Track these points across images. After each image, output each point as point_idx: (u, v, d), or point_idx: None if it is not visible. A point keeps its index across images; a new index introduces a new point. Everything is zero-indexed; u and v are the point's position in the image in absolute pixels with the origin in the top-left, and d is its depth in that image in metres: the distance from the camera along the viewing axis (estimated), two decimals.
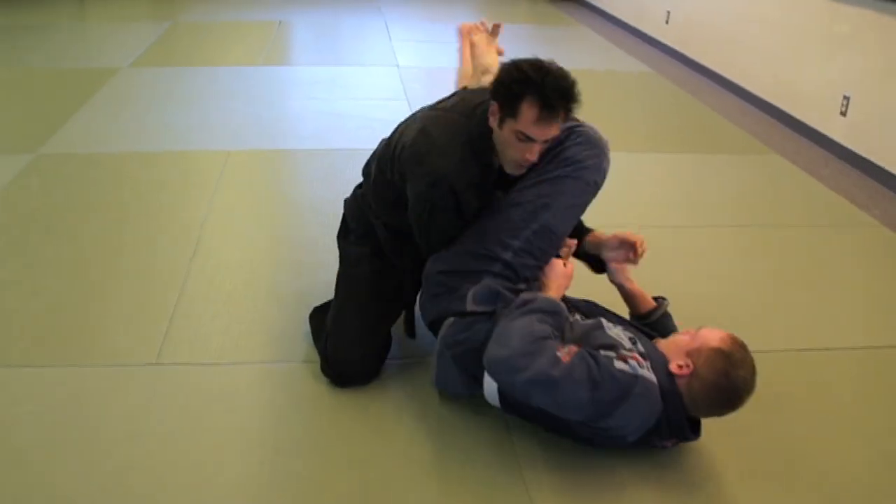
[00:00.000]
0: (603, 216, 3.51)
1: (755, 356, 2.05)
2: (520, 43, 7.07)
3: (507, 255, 2.18)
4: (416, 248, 2.34)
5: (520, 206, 2.20)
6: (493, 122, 2.10)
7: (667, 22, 6.93)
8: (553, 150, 2.20)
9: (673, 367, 2.05)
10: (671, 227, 3.58)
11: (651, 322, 2.38)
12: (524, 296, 2.14)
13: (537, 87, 1.99)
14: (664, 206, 3.79)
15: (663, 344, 2.18)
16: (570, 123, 2.20)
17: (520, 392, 1.97)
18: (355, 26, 7.56)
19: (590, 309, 2.33)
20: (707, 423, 2.16)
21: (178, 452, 2.14)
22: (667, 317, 2.42)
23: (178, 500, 1.99)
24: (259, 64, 6.07)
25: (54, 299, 2.88)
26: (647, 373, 2.00)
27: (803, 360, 2.67)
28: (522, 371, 1.91)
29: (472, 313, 2.16)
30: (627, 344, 2.09)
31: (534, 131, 2.03)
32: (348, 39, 7.18)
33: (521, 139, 2.06)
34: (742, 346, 2.05)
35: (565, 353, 1.95)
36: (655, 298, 2.45)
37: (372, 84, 5.66)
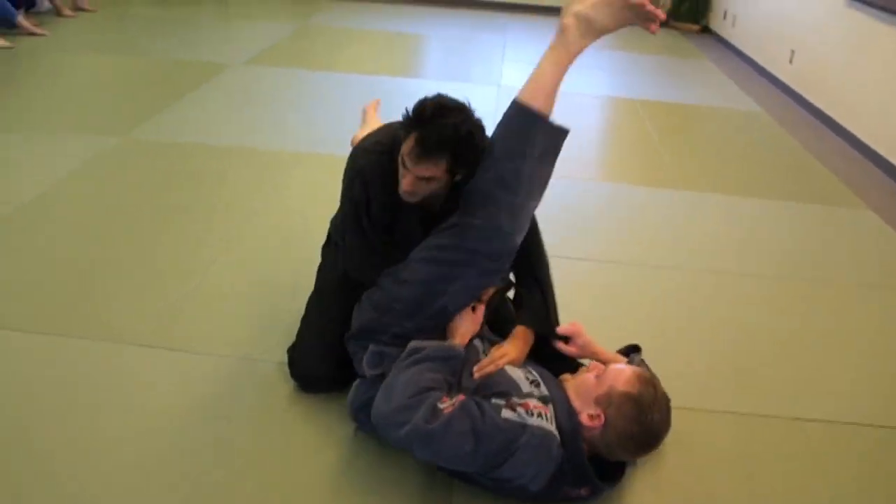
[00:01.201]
0: (661, 255, 3.43)
1: (763, 419, 1.93)
2: (640, 74, 6.95)
3: (398, 330, 2.18)
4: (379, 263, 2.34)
5: (417, 284, 2.17)
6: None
7: (791, 61, 6.63)
8: (467, 206, 2.16)
9: (584, 419, 1.99)
10: (732, 273, 3.43)
11: None
12: (413, 344, 2.10)
13: (423, 125, 2.05)
14: (729, 251, 3.64)
15: (571, 384, 2.10)
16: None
17: (404, 446, 1.93)
18: (474, 43, 7.61)
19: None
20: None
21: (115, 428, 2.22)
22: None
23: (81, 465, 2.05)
24: (367, 73, 6.19)
25: (80, 269, 3.05)
26: (538, 420, 1.92)
27: (807, 430, 2.49)
28: (402, 426, 1.88)
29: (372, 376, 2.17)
30: (526, 388, 2.03)
31: (408, 161, 2.09)
32: (462, 56, 7.23)
33: (403, 164, 2.12)
34: (650, 384, 1.98)
35: (449, 404, 1.90)
36: (628, 352, 2.36)
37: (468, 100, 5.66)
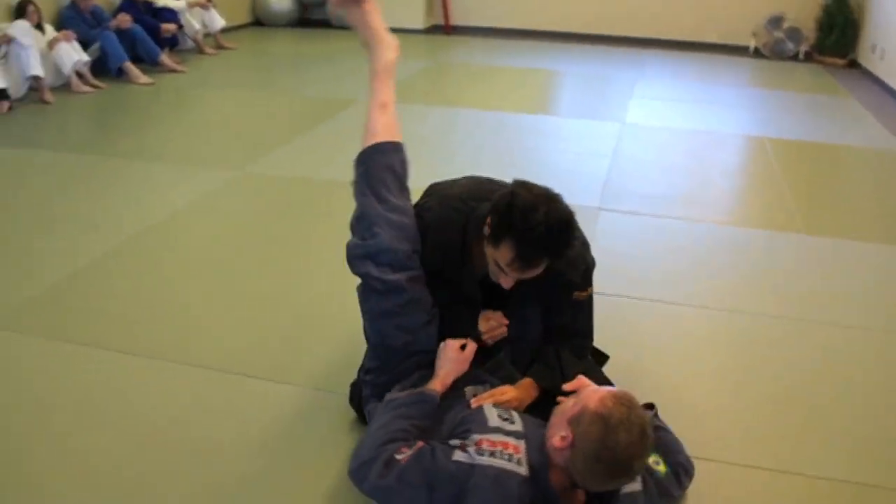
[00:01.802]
0: (783, 306, 3.21)
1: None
2: (781, 111, 6.65)
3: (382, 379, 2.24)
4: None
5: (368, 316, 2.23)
6: (485, 230, 2.05)
7: None
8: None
9: (555, 441, 1.84)
10: (862, 328, 3.16)
11: None
12: (388, 395, 2.08)
13: (520, 235, 1.94)
14: (858, 303, 3.36)
15: (556, 410, 1.94)
16: None
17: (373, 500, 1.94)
18: (605, 80, 7.48)
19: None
20: None
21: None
22: (653, 429, 2.15)
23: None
24: (494, 109, 6.17)
25: (182, 296, 3.12)
26: (489, 459, 1.84)
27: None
28: (363, 481, 1.90)
29: None
30: (494, 422, 1.93)
31: (508, 269, 2.00)
32: (591, 92, 7.13)
33: (496, 266, 2.03)
34: (624, 404, 1.79)
35: (405, 455, 1.88)
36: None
37: (587, 137, 5.56)
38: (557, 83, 7.45)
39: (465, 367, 2.16)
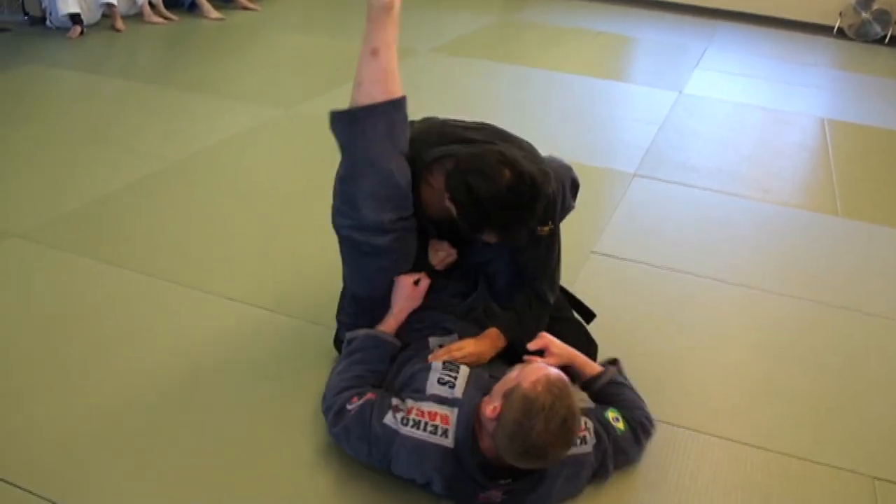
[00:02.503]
0: (787, 282, 3.19)
1: None
2: (851, 94, 6.45)
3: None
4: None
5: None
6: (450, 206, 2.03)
7: None
8: None
9: (487, 411, 1.85)
10: (866, 313, 3.10)
11: (595, 390, 2.19)
12: (348, 334, 2.19)
13: (499, 224, 1.96)
14: None
15: (502, 380, 1.93)
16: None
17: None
18: (672, 47, 7.33)
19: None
20: None
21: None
22: (614, 385, 2.16)
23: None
24: (549, 68, 6.12)
25: (207, 226, 3.27)
26: (411, 430, 1.91)
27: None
28: (329, 426, 2.05)
29: None
30: (432, 389, 1.97)
31: (493, 237, 2.03)
32: (655, 59, 7.01)
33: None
34: (553, 393, 1.76)
35: (354, 406, 1.99)
36: (606, 364, 2.24)
37: (640, 103, 5.50)
38: (624, 48, 7.33)
39: (418, 302, 2.20)
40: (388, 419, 1.94)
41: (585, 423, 2.04)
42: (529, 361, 2.00)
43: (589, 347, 2.51)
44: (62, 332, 2.59)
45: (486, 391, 1.95)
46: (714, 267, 3.31)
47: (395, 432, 1.92)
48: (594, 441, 2.04)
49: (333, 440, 2.08)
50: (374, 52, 2.10)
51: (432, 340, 2.18)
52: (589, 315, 2.61)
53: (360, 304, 2.28)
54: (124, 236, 3.19)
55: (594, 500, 2.07)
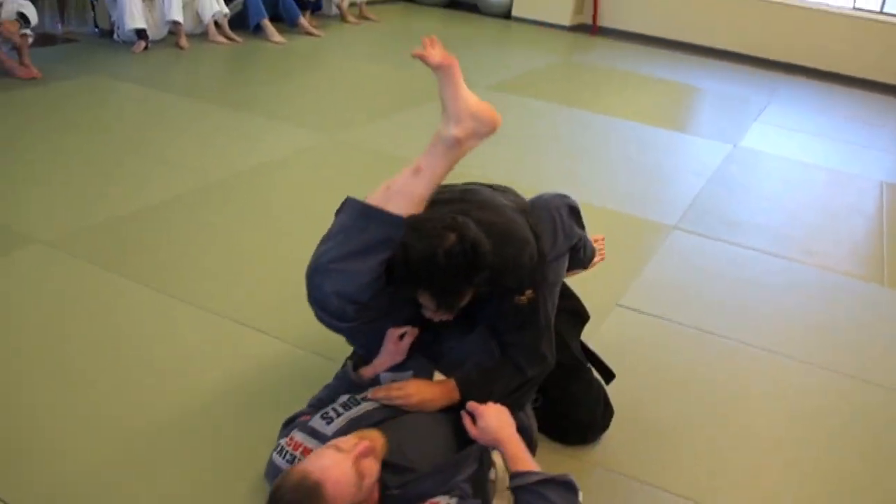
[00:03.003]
0: (825, 352, 3.03)
1: None
2: None
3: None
4: None
5: None
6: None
7: None
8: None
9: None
10: None
11: (511, 488, 1.87)
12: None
13: (429, 286, 1.88)
14: None
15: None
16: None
17: None
18: (733, 99, 7.20)
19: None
20: None
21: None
22: (528, 493, 1.85)
23: None
24: (603, 112, 6.06)
25: (217, 243, 3.28)
26: (276, 455, 1.94)
27: None
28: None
29: None
30: (313, 422, 1.98)
31: (437, 314, 1.96)
32: (713, 109, 6.92)
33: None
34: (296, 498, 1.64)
35: (300, 422, 2.02)
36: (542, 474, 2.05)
37: (692, 154, 5.41)
38: (682, 97, 7.23)
39: (400, 357, 2.11)
40: (278, 445, 1.97)
41: None
42: (361, 438, 1.80)
43: (605, 411, 2.44)
44: (69, 341, 2.62)
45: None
46: (743, 330, 3.20)
47: (273, 450, 1.97)
48: None
49: None
50: (417, 172, 2.00)
51: (384, 376, 2.11)
52: (608, 375, 2.53)
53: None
54: (149, 252, 3.21)
55: None
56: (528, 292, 2.05)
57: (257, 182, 4.01)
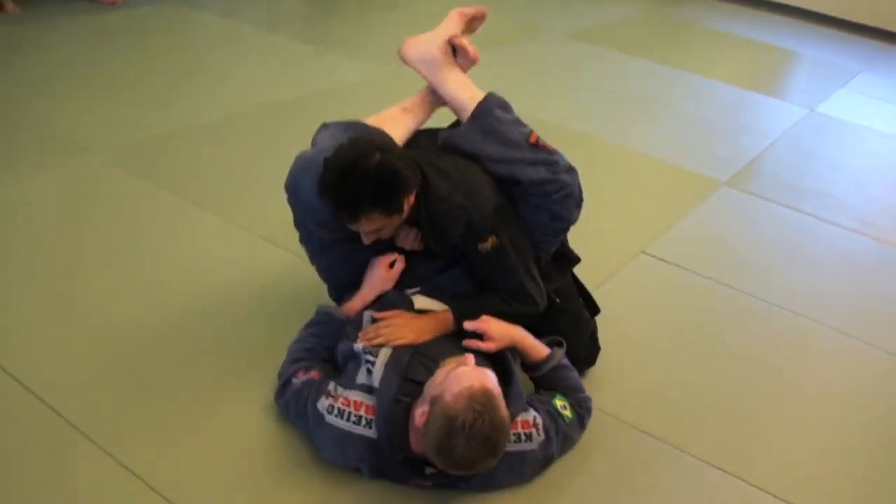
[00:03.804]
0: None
1: None
2: None
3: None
4: None
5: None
6: None
7: None
8: None
9: (416, 415, 1.81)
10: None
11: (541, 375, 2.12)
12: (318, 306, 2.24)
13: (334, 194, 1.94)
14: None
15: (434, 375, 1.88)
16: None
17: None
18: (822, 64, 6.92)
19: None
20: None
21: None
22: (560, 370, 2.10)
23: None
24: (671, 65, 5.93)
25: (257, 165, 3.37)
26: (335, 419, 1.91)
27: None
28: (275, 395, 2.12)
29: None
30: (361, 378, 1.95)
31: (349, 224, 2.01)
32: (799, 72, 6.65)
33: None
34: (477, 409, 1.71)
35: (299, 382, 2.02)
36: (551, 344, 2.15)
37: (759, 115, 5.23)
38: (770, 59, 6.94)
39: (389, 285, 2.18)
40: (321, 404, 1.95)
41: (535, 420, 1.99)
42: (459, 364, 1.88)
43: (591, 345, 2.45)
44: (107, 246, 2.81)
45: (405, 375, 1.93)
46: (776, 292, 3.09)
47: (322, 419, 1.94)
48: (542, 439, 1.99)
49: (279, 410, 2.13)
50: (405, 111, 2.35)
51: (366, 314, 2.14)
52: (594, 309, 2.53)
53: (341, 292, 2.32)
54: (194, 168, 3.39)
55: None
56: (491, 238, 2.10)
57: (313, 109, 4.09)
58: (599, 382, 2.43)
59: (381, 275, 2.18)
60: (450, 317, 2.13)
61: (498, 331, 2.09)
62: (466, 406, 1.72)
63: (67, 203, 3.03)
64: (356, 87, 4.49)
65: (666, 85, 5.48)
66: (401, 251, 2.24)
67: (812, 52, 7.31)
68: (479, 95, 2.26)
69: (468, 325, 2.07)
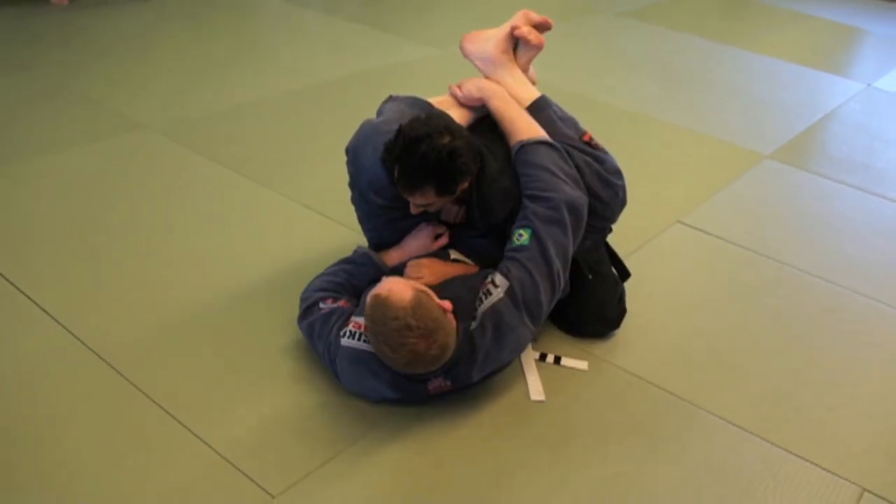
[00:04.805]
0: None
1: None
2: None
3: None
4: None
5: None
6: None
7: None
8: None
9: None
10: None
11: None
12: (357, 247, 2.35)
13: (398, 162, 2.04)
14: None
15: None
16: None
17: None
18: (886, 38, 6.77)
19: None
20: None
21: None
22: (524, 165, 2.22)
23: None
24: (723, 41, 5.89)
25: (309, 141, 3.50)
26: (348, 340, 2.04)
27: None
28: (299, 318, 2.24)
29: None
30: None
31: (401, 193, 2.11)
32: (857, 45, 6.51)
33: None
34: (382, 309, 1.85)
35: (325, 308, 2.14)
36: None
37: (812, 89, 5.17)
38: (833, 35, 6.81)
39: (427, 250, 2.29)
40: (341, 332, 2.08)
41: (490, 278, 2.08)
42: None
43: (618, 307, 2.52)
44: (158, 212, 2.98)
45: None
46: (808, 260, 3.09)
47: (339, 344, 2.07)
48: (506, 285, 2.05)
49: (301, 332, 2.25)
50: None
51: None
52: (624, 273, 2.60)
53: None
54: (241, 142, 3.52)
55: None
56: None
57: (368, 87, 4.21)
58: (624, 343, 2.50)
59: (426, 244, 2.31)
60: (474, 268, 2.26)
61: (470, 84, 2.35)
62: (370, 321, 1.89)
63: (118, 174, 3.20)
64: (411, 66, 4.60)
65: (717, 62, 5.46)
66: (444, 223, 2.36)
67: (877, 28, 7.15)
68: (535, 94, 2.41)
69: (453, 87, 2.39)
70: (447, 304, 1.95)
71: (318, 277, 2.29)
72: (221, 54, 4.50)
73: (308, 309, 2.19)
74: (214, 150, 3.41)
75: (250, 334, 2.38)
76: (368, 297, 1.91)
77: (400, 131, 2.04)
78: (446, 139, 2.03)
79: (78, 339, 2.30)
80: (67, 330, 2.32)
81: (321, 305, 2.16)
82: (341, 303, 2.17)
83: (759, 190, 3.66)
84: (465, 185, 2.14)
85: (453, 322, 1.96)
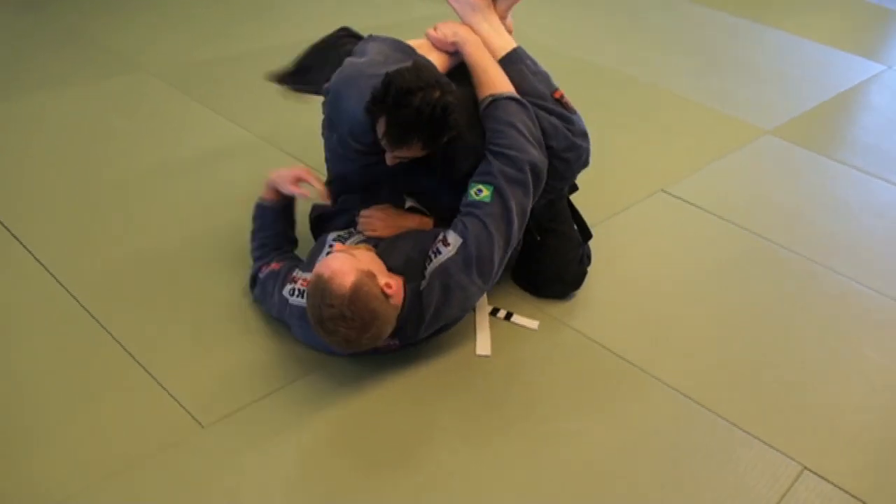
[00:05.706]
0: None
1: None
2: None
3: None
4: None
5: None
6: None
7: None
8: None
9: None
10: None
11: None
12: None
13: (388, 112, 1.96)
14: None
15: None
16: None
17: None
18: None
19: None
20: None
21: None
22: (491, 120, 2.20)
23: None
24: (742, 15, 5.77)
25: None
26: (297, 300, 2.07)
27: None
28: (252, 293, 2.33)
29: None
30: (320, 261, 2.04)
31: (384, 144, 2.04)
32: (885, 26, 6.34)
33: (381, 142, 2.06)
34: (319, 291, 1.85)
35: (264, 275, 2.22)
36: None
37: (826, 68, 5.05)
38: (865, 17, 6.65)
39: (389, 232, 2.23)
40: (286, 290, 2.13)
41: (442, 235, 2.08)
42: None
43: (578, 269, 2.51)
44: (152, 159, 3.03)
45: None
46: (797, 239, 3.00)
47: (286, 302, 2.11)
48: (458, 242, 2.05)
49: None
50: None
51: (330, 236, 2.23)
52: (587, 234, 2.59)
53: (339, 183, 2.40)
54: (236, 90, 3.54)
55: None
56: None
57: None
58: (583, 305, 2.50)
59: (381, 216, 2.27)
60: (428, 221, 2.26)
61: (444, 28, 2.32)
62: (309, 297, 1.92)
63: (117, 114, 3.27)
64: (424, 23, 4.54)
65: (738, 38, 5.36)
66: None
67: None
68: (511, 45, 2.35)
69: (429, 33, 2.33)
70: (394, 282, 1.96)
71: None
72: (232, 7, 4.52)
73: (252, 282, 2.29)
74: (204, 94, 3.46)
75: (210, 277, 2.42)
76: (314, 269, 1.92)
77: (390, 81, 1.96)
78: (437, 94, 1.96)
79: (46, 268, 2.38)
80: (36, 259, 2.41)
81: (259, 276, 2.25)
82: (273, 266, 2.23)
83: (752, 164, 3.60)
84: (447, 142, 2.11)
85: (399, 297, 1.97)
